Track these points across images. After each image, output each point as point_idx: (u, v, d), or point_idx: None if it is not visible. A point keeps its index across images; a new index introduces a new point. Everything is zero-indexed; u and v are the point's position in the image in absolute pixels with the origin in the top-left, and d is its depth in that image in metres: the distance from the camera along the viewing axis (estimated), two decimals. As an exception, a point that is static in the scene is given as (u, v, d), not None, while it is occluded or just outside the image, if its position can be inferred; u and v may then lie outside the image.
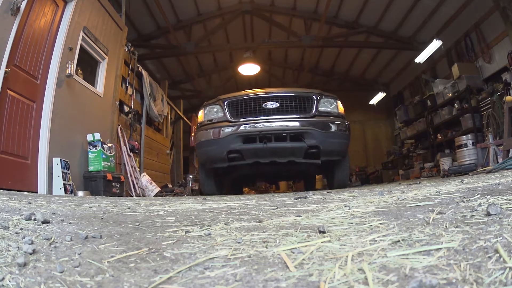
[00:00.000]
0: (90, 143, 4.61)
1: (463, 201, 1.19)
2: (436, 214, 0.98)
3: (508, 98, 5.21)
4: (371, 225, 0.95)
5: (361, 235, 0.84)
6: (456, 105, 8.16)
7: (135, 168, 5.92)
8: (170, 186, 7.56)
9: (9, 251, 0.76)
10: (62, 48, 4.13)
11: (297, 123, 3.99)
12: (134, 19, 8.18)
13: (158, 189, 6.19)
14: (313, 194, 2.56)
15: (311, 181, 7.37)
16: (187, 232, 1.03)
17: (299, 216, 1.22)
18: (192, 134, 9.94)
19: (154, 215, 1.51)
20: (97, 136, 4.63)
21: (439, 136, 9.14)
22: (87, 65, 5.03)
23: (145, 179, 6.11)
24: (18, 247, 0.78)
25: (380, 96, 11.76)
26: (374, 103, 12.05)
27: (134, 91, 6.59)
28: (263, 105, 4.08)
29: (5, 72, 3.21)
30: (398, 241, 0.76)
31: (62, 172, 3.88)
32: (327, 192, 3.04)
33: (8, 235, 0.89)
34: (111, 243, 0.89)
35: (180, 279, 0.63)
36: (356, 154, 12.17)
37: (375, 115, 12.69)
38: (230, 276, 0.63)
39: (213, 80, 12.92)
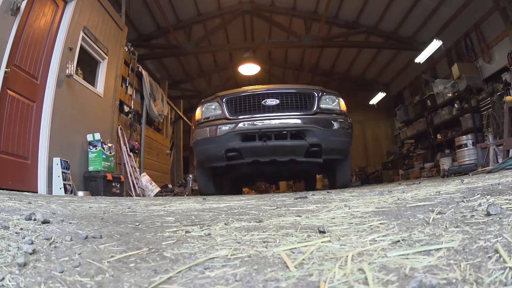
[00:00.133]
0: (90, 143, 4.61)
1: (463, 201, 1.19)
2: (436, 214, 0.98)
3: (508, 98, 5.21)
4: (371, 225, 0.95)
5: (361, 235, 0.84)
6: (456, 105, 8.16)
7: (135, 168, 5.92)
8: (170, 186, 7.56)
9: (9, 251, 0.76)
10: (62, 48, 4.13)
11: (298, 121, 3.87)
12: (134, 19, 8.18)
13: (158, 189, 6.19)
14: (313, 194, 2.56)
15: (312, 181, 7.22)
16: (187, 232, 1.03)
17: (299, 216, 1.22)
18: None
19: (154, 215, 1.51)
20: (97, 136, 4.63)
21: (439, 136, 9.14)
22: (87, 65, 5.03)
23: (145, 179, 6.11)
24: (18, 247, 0.78)
25: (380, 96, 11.76)
26: (374, 103, 12.05)
27: (134, 91, 6.59)
28: (262, 102, 3.95)
29: (5, 72, 3.21)
30: (398, 241, 0.76)
31: (62, 172, 3.88)
32: (327, 192, 3.04)
33: (8, 235, 0.89)
34: (111, 243, 0.89)
35: (180, 279, 0.63)
36: (356, 154, 12.15)
37: (375, 115, 12.69)
38: (230, 276, 0.63)
39: (213, 80, 12.92)
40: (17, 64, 3.49)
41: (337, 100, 4.16)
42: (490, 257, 0.60)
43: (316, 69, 12.27)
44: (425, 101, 9.66)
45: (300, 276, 0.60)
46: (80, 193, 4.15)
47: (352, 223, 1.01)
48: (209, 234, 0.97)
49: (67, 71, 4.18)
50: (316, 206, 1.53)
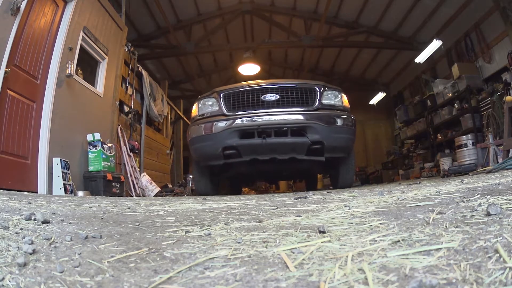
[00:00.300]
0: (90, 143, 4.61)
1: (463, 201, 1.19)
2: (436, 214, 0.98)
3: (508, 98, 5.21)
4: (371, 225, 0.95)
5: (361, 235, 0.84)
6: (456, 105, 8.16)
7: (135, 168, 5.92)
8: (170, 186, 7.56)
9: (9, 251, 0.76)
10: (62, 48, 4.13)
11: (299, 117, 3.70)
12: (134, 19, 8.18)
13: (158, 189, 6.19)
14: (313, 194, 2.56)
15: (313, 180, 7.02)
16: (187, 232, 1.03)
17: (299, 216, 1.22)
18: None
19: (154, 215, 1.51)
20: (97, 136, 4.63)
21: (439, 136, 9.14)
22: (87, 65, 5.03)
23: (145, 179, 6.11)
24: (18, 247, 0.78)
25: (380, 96, 11.76)
26: (374, 103, 12.06)
27: (134, 91, 6.59)
28: (261, 97, 3.78)
29: (5, 72, 3.21)
30: (398, 241, 0.76)
31: (62, 172, 3.88)
32: (327, 192, 3.04)
33: (8, 235, 0.89)
34: (111, 243, 0.89)
35: (180, 279, 0.63)
36: (356, 154, 12.08)
37: (375, 115, 12.69)
38: (230, 276, 0.63)
39: (213, 80, 12.92)
40: (17, 64, 3.49)
41: (339, 96, 4.00)
42: (490, 257, 0.60)
43: (316, 69, 12.27)
44: (425, 101, 9.67)
45: (300, 276, 0.60)
46: (80, 193, 4.15)
47: (352, 223, 1.01)
48: (209, 234, 0.97)
49: (67, 71, 4.18)
50: (316, 206, 1.53)
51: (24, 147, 3.61)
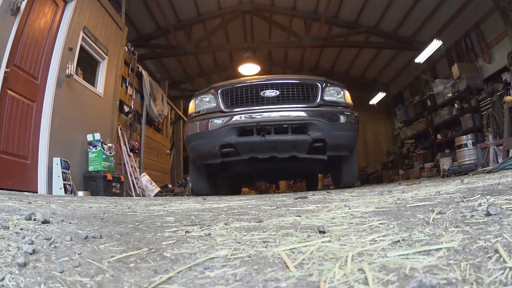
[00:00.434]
0: (90, 143, 4.61)
1: (463, 201, 1.19)
2: (436, 214, 0.98)
3: (508, 98, 5.21)
4: (371, 225, 0.95)
5: (361, 235, 0.84)
6: (456, 105, 8.16)
7: (135, 168, 5.92)
8: (170, 186, 7.56)
9: (9, 251, 0.76)
10: (62, 48, 4.13)
11: (300, 113, 3.56)
12: (134, 19, 8.18)
13: (158, 189, 6.19)
14: (313, 194, 2.56)
15: (314, 180, 6.82)
16: (187, 232, 1.03)
17: (299, 216, 1.22)
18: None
19: (154, 215, 1.51)
20: (97, 136, 4.63)
21: (439, 136, 9.14)
22: (87, 65, 5.03)
23: (145, 179, 6.11)
24: (18, 247, 0.78)
25: (380, 96, 11.76)
26: (374, 103, 12.06)
27: (134, 91, 6.59)
28: (261, 93, 3.64)
29: (5, 72, 3.22)
30: (398, 241, 0.76)
31: (62, 172, 3.88)
32: (327, 192, 3.04)
33: (8, 235, 0.89)
34: (111, 243, 0.89)
35: (180, 279, 0.63)
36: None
37: (375, 115, 12.69)
38: (230, 276, 0.63)
39: (213, 80, 12.91)
40: (17, 64, 3.49)
41: (342, 92, 3.85)
42: (490, 257, 0.60)
43: (316, 69, 12.27)
44: (425, 101, 9.67)
45: (300, 276, 0.60)
46: (80, 193, 4.15)
47: (352, 223, 1.01)
48: (209, 234, 0.97)
49: (67, 71, 4.18)
50: (316, 206, 1.53)
51: (24, 147, 3.61)
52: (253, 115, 3.53)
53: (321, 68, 12.34)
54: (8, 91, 3.38)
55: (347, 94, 3.91)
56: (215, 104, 3.72)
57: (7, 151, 3.35)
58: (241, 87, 3.72)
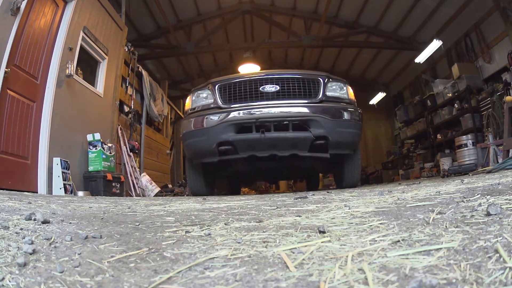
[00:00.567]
0: (90, 143, 4.61)
1: (463, 201, 1.19)
2: (436, 214, 0.98)
3: (508, 98, 5.21)
4: (371, 225, 0.95)
5: (361, 235, 0.84)
6: (456, 105, 8.16)
7: (135, 168, 5.92)
8: (170, 186, 7.56)
9: (9, 251, 0.76)
10: (62, 48, 4.14)
11: (301, 109, 3.41)
12: (134, 19, 8.18)
13: (158, 189, 6.19)
14: (313, 194, 2.56)
15: (314, 180, 6.59)
16: (187, 232, 1.03)
17: (299, 216, 1.22)
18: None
19: (154, 215, 1.51)
20: (97, 136, 4.64)
21: (439, 136, 9.14)
22: (87, 65, 5.03)
23: (145, 179, 6.11)
24: (18, 247, 0.78)
25: (380, 96, 11.77)
26: (374, 103, 12.06)
27: (134, 91, 6.59)
28: (260, 88, 3.49)
29: (5, 72, 3.22)
30: (398, 241, 0.76)
31: (62, 172, 3.88)
32: (327, 192, 3.03)
33: (8, 235, 0.89)
34: (111, 243, 0.89)
35: (180, 279, 0.63)
36: (357, 153, 12.13)
37: (375, 115, 12.69)
38: (230, 276, 0.63)
39: (213, 80, 12.91)
40: (17, 64, 3.49)
41: (345, 88, 3.70)
42: (490, 257, 0.60)
43: (316, 69, 12.22)
44: (425, 101, 9.67)
45: (300, 276, 0.60)
46: (80, 193, 4.15)
47: (352, 223, 1.01)
48: (209, 234, 0.97)
49: (67, 71, 4.18)
50: (316, 206, 1.53)
51: (24, 147, 3.61)
52: (252, 111, 3.37)
53: (321, 68, 12.32)
54: (8, 91, 3.38)
55: (350, 90, 3.77)
56: (212, 100, 3.57)
57: (7, 151, 3.35)
58: (240, 82, 3.58)
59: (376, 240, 0.78)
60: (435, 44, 7.99)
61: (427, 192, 1.74)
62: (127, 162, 5.71)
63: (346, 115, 3.49)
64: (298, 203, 1.81)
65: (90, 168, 4.54)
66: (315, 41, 8.93)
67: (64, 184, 3.85)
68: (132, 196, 5.37)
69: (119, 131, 5.76)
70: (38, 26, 3.83)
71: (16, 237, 0.89)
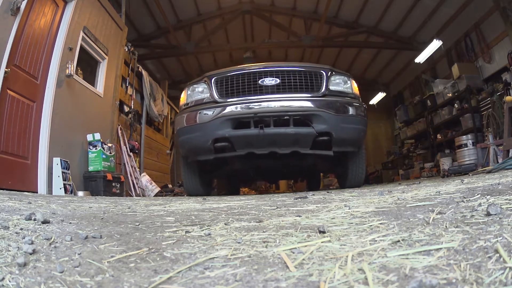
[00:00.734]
0: (90, 143, 4.61)
1: (463, 201, 1.19)
2: (436, 214, 0.98)
3: (508, 98, 5.21)
4: (371, 225, 0.95)
5: (361, 235, 0.84)
6: (456, 105, 8.16)
7: (135, 168, 5.92)
8: (170, 186, 7.56)
9: (9, 251, 0.76)
10: (62, 48, 4.14)
11: (303, 103, 3.23)
12: (134, 19, 8.19)
13: (158, 189, 6.19)
14: (313, 194, 2.56)
15: (316, 180, 6.32)
16: (187, 232, 1.03)
17: (299, 216, 1.22)
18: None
19: (154, 215, 1.51)
20: (97, 136, 4.64)
21: (439, 136, 9.14)
22: (87, 65, 5.03)
23: (145, 179, 6.12)
24: (18, 247, 0.78)
25: (380, 96, 11.77)
26: (374, 103, 12.06)
27: (134, 91, 6.59)
28: (259, 81, 3.30)
29: (5, 72, 3.22)
30: (398, 241, 0.76)
31: (62, 172, 3.89)
32: (327, 192, 3.03)
33: (8, 235, 0.89)
34: (111, 243, 0.89)
35: (180, 279, 0.63)
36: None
37: (375, 115, 12.67)
38: (230, 276, 0.63)
39: (213, 80, 12.91)
40: (17, 64, 3.49)
41: (349, 82, 3.52)
42: (490, 257, 0.60)
43: (316, 69, 12.26)
44: (425, 101, 9.67)
45: (300, 276, 0.60)
46: (80, 193, 4.15)
47: (352, 223, 1.01)
48: (209, 234, 0.97)
49: (67, 71, 4.18)
50: (316, 206, 1.53)
51: (24, 147, 3.61)
52: (251, 105, 3.18)
53: (321, 68, 12.34)
54: (8, 91, 3.38)
55: (355, 84, 3.58)
56: (208, 94, 3.39)
57: (7, 151, 3.35)
58: (237, 75, 3.39)
59: (376, 240, 0.78)
60: (435, 44, 7.99)
61: (427, 192, 1.74)
62: (127, 162, 5.71)
63: (351, 110, 3.31)
64: (298, 203, 1.81)
65: (90, 168, 4.54)
66: (315, 41, 8.93)
67: (64, 184, 3.85)
68: (132, 196, 5.37)
69: (119, 131, 5.76)
70: (38, 26, 3.83)
71: (16, 237, 0.89)
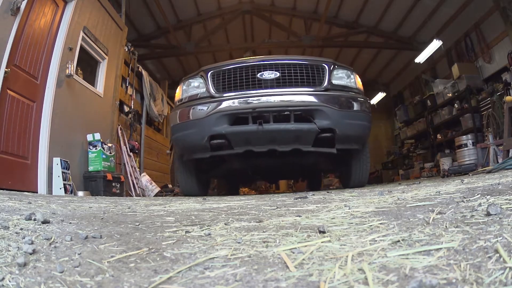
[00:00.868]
0: (90, 143, 4.61)
1: (463, 201, 1.19)
2: (436, 214, 0.98)
3: (508, 98, 5.21)
4: (371, 225, 0.95)
5: (361, 235, 0.84)
6: (456, 105, 8.16)
7: (135, 168, 5.92)
8: (170, 186, 7.56)
9: (9, 251, 0.76)
10: (62, 48, 4.14)
11: (304, 98, 3.08)
12: (134, 19, 8.19)
13: (158, 189, 6.19)
14: (313, 194, 2.56)
15: (316, 179, 6.14)
16: (187, 232, 1.03)
17: (299, 216, 1.22)
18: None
19: (154, 215, 1.51)
20: (97, 136, 4.64)
21: (439, 136, 9.15)
22: (87, 65, 5.03)
23: (145, 179, 6.11)
24: (18, 247, 0.78)
25: (380, 96, 11.78)
26: (374, 103, 12.06)
27: (134, 91, 6.59)
28: (258, 75, 3.15)
29: (5, 72, 3.22)
30: (398, 241, 0.75)
31: (62, 172, 3.89)
32: (327, 192, 3.03)
33: (8, 235, 0.89)
34: (111, 243, 0.89)
35: (180, 279, 0.63)
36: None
37: (375, 115, 12.60)
38: (230, 276, 0.63)
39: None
40: (17, 64, 3.49)
41: (352, 76, 3.38)
42: (490, 257, 0.60)
43: (316, 69, 12.26)
44: (425, 101, 9.67)
45: (300, 276, 0.60)
46: (80, 193, 4.15)
47: (352, 223, 1.01)
48: (209, 234, 0.97)
49: (67, 71, 4.18)
50: (316, 206, 1.53)
51: (24, 147, 3.61)
52: (249, 100, 3.02)
53: (321, 68, 12.34)
54: (8, 91, 3.38)
55: (358, 79, 3.44)
56: (204, 89, 3.23)
57: (7, 151, 3.35)
58: (235, 69, 3.23)
59: (376, 240, 0.78)
60: (435, 44, 7.99)
61: (427, 192, 1.74)
62: (127, 162, 5.71)
63: (355, 105, 3.17)
64: (298, 203, 1.81)
65: (90, 168, 4.54)
66: (315, 41, 8.93)
67: (64, 184, 3.85)
68: (132, 196, 5.37)
69: (119, 131, 5.76)
70: (38, 26, 3.83)
71: (16, 237, 0.89)
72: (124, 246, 0.86)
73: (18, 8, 3.34)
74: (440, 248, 0.67)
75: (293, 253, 0.74)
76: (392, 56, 10.58)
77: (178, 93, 3.47)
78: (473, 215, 0.91)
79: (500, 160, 5.13)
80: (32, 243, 0.82)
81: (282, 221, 1.14)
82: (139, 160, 6.54)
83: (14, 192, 2.88)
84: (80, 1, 4.51)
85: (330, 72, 3.24)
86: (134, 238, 0.96)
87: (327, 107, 3.01)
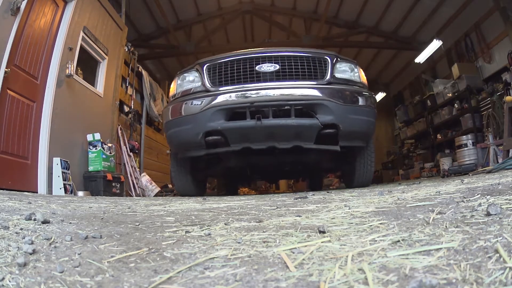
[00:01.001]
0: (90, 143, 4.61)
1: (463, 201, 1.19)
2: (436, 214, 0.98)
3: (508, 98, 5.21)
4: (371, 225, 0.95)
5: (361, 235, 0.84)
6: (456, 105, 8.16)
7: (135, 168, 5.92)
8: (170, 186, 7.56)
9: (9, 251, 0.76)
10: (62, 48, 4.14)
11: (305, 91, 2.90)
12: (134, 19, 8.19)
13: (158, 189, 6.19)
14: (313, 194, 2.56)
15: (317, 179, 5.94)
16: (187, 232, 1.03)
17: (299, 216, 1.22)
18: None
19: (154, 215, 1.51)
20: (97, 136, 4.64)
21: (439, 136, 9.15)
22: (87, 65, 5.03)
23: (145, 179, 6.11)
24: (18, 247, 0.78)
25: (380, 96, 11.77)
26: (375, 103, 12.06)
27: (134, 91, 6.60)
28: (256, 67, 2.98)
29: (5, 72, 3.22)
30: (398, 241, 0.75)
31: (62, 172, 3.89)
32: (327, 192, 3.03)
33: (8, 235, 0.89)
34: (111, 243, 0.89)
35: (180, 279, 0.63)
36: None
37: (375, 115, 12.68)
38: (230, 276, 0.63)
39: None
40: (17, 64, 3.49)
41: (356, 69, 3.25)
42: (490, 257, 0.60)
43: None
44: (425, 101, 9.67)
45: (300, 276, 0.60)
46: (80, 193, 4.15)
47: (352, 223, 1.01)
48: (209, 234, 0.97)
49: (67, 71, 4.18)
50: (316, 206, 1.53)
51: (24, 147, 3.61)
52: (247, 94, 2.85)
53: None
54: (8, 91, 3.38)
55: (362, 73, 3.31)
56: (199, 83, 3.07)
57: (7, 151, 3.35)
58: (232, 61, 3.05)
59: (376, 240, 0.78)
60: (435, 44, 8.00)
61: (427, 192, 1.74)
62: (127, 162, 5.71)
63: (360, 100, 3.02)
64: (298, 203, 1.81)
65: (90, 168, 4.54)
66: (315, 41, 8.93)
67: (64, 184, 3.85)
68: (132, 196, 5.37)
69: (119, 131, 5.76)
70: (38, 26, 3.83)
71: (16, 237, 0.89)
72: (124, 246, 0.86)
73: (18, 8, 3.34)
74: (440, 248, 0.67)
75: (293, 253, 0.74)
76: (392, 56, 10.58)
77: (173, 88, 3.30)
78: (473, 215, 0.91)
79: (500, 160, 5.13)
80: (32, 243, 0.82)
81: (282, 221, 1.14)
82: (139, 160, 6.54)
83: (14, 192, 2.88)
84: (80, 1, 4.51)
85: (333, 65, 3.09)
86: (134, 238, 0.96)
87: (330, 101, 2.84)
